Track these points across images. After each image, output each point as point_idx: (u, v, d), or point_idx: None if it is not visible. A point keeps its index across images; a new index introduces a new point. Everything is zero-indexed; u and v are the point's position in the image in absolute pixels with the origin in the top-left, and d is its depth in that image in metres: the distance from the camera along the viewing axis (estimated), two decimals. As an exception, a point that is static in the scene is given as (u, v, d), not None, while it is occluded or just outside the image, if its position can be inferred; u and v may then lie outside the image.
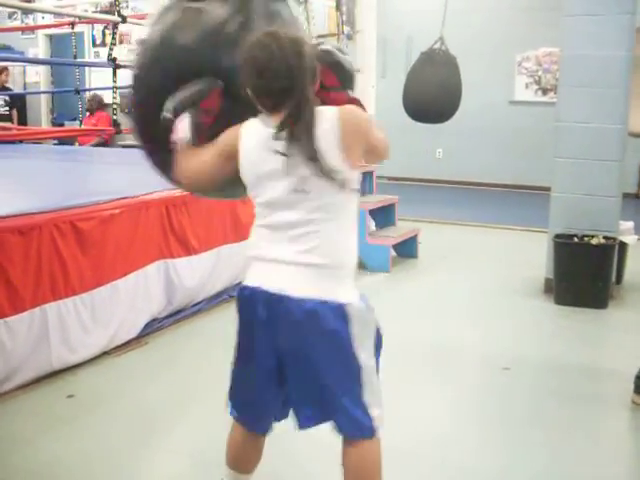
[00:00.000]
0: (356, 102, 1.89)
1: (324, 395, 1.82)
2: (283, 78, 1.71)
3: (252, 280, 1.84)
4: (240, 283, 1.91)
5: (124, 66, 5.42)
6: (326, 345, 1.79)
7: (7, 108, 8.87)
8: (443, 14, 6.05)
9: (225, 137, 1.87)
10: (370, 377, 1.83)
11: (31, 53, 10.99)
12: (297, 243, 1.78)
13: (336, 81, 1.91)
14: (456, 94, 6.25)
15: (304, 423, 1.89)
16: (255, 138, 1.80)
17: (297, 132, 1.71)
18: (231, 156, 1.84)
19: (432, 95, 6.16)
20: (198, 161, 1.90)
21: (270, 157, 1.75)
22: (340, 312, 1.78)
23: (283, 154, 1.73)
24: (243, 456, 2.03)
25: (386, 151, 1.93)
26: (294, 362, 1.82)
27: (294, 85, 1.72)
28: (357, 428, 1.82)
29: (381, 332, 1.94)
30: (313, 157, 1.70)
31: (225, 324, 4.15)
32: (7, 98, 8.90)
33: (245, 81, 1.78)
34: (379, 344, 1.93)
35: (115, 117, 5.69)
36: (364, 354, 1.82)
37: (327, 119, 1.75)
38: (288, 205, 1.77)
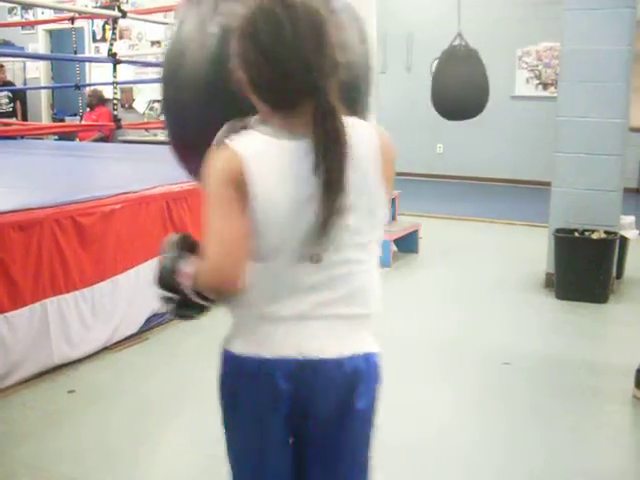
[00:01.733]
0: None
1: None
2: (300, 70, 1.21)
3: (263, 349, 1.33)
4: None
5: (124, 61, 5.42)
6: (363, 414, 1.39)
7: (11, 105, 8.86)
8: (457, 9, 6.01)
9: (219, 181, 1.26)
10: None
11: (31, 48, 10.97)
12: (328, 291, 1.32)
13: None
14: (484, 86, 6.21)
15: None
16: (269, 158, 1.26)
17: (328, 152, 1.23)
18: (242, 197, 1.25)
19: (461, 91, 6.13)
20: (219, 239, 1.27)
21: (297, 181, 1.25)
22: (377, 366, 1.40)
23: (320, 177, 1.24)
24: None
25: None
26: (322, 440, 1.38)
27: (314, 82, 1.22)
28: None
29: None
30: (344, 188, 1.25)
31: (227, 319, 4.18)
32: (10, 94, 8.89)
33: (241, 64, 1.25)
34: None
35: (115, 112, 5.69)
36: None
37: (365, 138, 1.32)
38: (314, 244, 1.28)
